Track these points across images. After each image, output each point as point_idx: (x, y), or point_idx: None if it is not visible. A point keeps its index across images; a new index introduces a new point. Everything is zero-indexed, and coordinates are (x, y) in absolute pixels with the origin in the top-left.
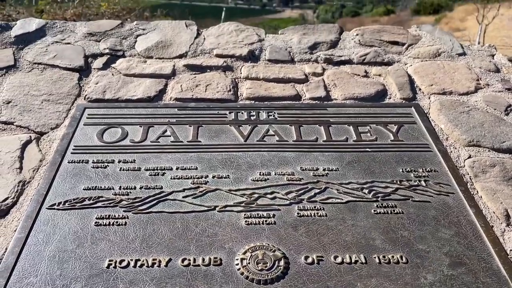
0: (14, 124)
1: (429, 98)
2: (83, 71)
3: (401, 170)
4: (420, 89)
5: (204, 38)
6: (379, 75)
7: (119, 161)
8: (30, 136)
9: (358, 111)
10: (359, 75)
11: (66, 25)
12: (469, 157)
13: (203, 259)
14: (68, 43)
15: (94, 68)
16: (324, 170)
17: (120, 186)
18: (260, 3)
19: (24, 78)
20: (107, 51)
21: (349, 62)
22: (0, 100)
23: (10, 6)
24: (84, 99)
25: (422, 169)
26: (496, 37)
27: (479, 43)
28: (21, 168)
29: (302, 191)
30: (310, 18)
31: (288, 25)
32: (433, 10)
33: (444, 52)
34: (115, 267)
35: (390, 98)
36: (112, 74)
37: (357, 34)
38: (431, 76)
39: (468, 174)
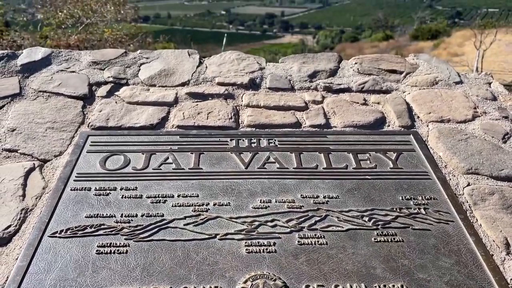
0: (18, 151)
1: (428, 126)
2: (87, 99)
3: (400, 197)
4: (418, 117)
5: (206, 67)
6: (378, 103)
7: (121, 189)
8: (34, 164)
9: (358, 139)
10: (358, 103)
11: (71, 54)
12: (468, 184)
13: None
14: (73, 72)
15: (98, 96)
16: (324, 197)
17: (122, 214)
18: (261, 29)
19: (29, 106)
20: (111, 79)
21: (348, 90)
22: (5, 128)
23: (15, 32)
24: (88, 126)
25: (422, 196)
26: (494, 62)
27: (477, 68)
28: (24, 195)
29: (302, 218)
30: (310, 43)
31: (288, 50)
32: (431, 36)
33: (442, 80)
34: None
35: (389, 125)
36: (116, 102)
37: (355, 63)
38: (429, 104)
39: (467, 202)
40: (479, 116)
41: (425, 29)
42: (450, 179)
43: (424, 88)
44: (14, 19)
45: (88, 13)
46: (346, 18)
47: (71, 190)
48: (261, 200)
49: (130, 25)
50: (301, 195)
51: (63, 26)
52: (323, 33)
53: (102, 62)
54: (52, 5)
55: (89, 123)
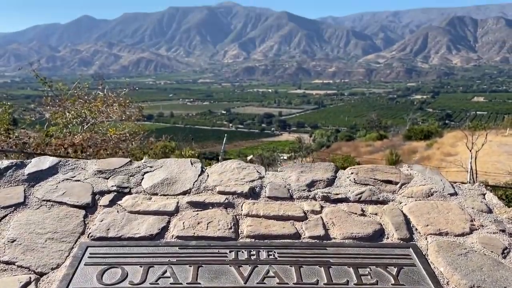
0: (16, 264)
1: (426, 238)
2: (90, 208)
3: None
4: (416, 229)
5: (208, 175)
6: (376, 214)
7: None
8: (30, 277)
9: (357, 252)
10: (356, 213)
11: (77, 162)
12: None
13: None
14: (78, 180)
15: (101, 205)
16: None
17: None
18: (259, 127)
19: (31, 216)
20: (114, 188)
21: (345, 200)
22: (5, 239)
23: (22, 129)
24: (88, 237)
25: None
26: (487, 162)
27: (471, 168)
28: None
29: None
30: (307, 141)
31: (286, 148)
32: (424, 136)
33: (436, 191)
34: None
35: (387, 238)
36: (117, 211)
37: (352, 173)
38: (426, 216)
39: None
40: (477, 229)
41: (418, 129)
42: None
43: (420, 200)
44: (22, 118)
45: (95, 113)
46: (340, 119)
47: None
48: None
49: (133, 125)
50: None
51: (69, 125)
52: (319, 132)
53: (107, 171)
54: (61, 106)
55: (90, 233)
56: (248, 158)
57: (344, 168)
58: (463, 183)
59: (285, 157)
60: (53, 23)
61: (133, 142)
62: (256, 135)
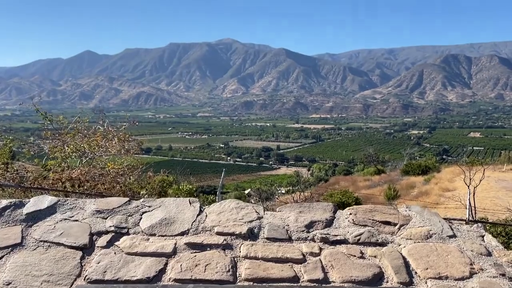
0: None
1: (426, 282)
2: (87, 249)
3: None
4: (416, 272)
5: (206, 215)
6: (375, 257)
7: None
8: None
9: None
10: (355, 256)
11: (76, 202)
12: None
13: None
14: (76, 220)
15: (98, 246)
16: None
17: None
18: (257, 161)
19: (28, 257)
20: (112, 228)
21: (344, 242)
22: (0, 281)
23: (20, 161)
24: (84, 279)
25: None
26: (486, 198)
27: (470, 204)
28: None
29: None
30: (305, 175)
31: (284, 181)
32: (421, 171)
33: (435, 233)
34: None
35: (387, 282)
36: (115, 253)
37: (350, 213)
38: (425, 259)
39: None
40: (477, 273)
41: (415, 164)
42: None
43: (419, 242)
44: (20, 151)
45: (94, 148)
46: (338, 153)
47: None
48: None
49: (132, 158)
50: None
51: (68, 160)
52: (317, 165)
53: (106, 211)
54: (61, 140)
55: (86, 275)
56: (246, 191)
57: (343, 207)
58: (462, 219)
59: (283, 191)
60: (55, 58)
61: (131, 176)
62: (254, 169)
